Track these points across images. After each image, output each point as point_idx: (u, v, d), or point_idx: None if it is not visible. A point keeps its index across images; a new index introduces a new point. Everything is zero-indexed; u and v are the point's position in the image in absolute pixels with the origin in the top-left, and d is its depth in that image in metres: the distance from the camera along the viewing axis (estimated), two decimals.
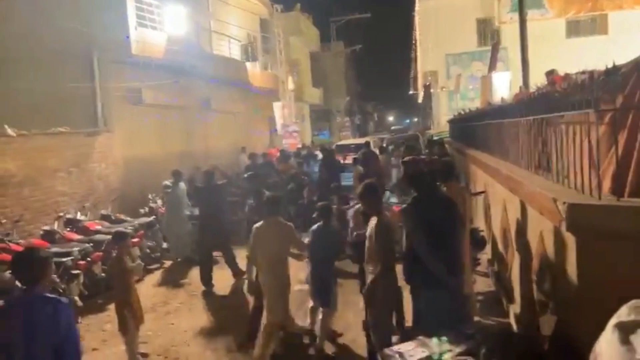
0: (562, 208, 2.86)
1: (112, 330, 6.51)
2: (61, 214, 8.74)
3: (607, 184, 3.03)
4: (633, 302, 1.20)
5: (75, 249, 7.24)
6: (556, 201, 2.97)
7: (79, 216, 8.83)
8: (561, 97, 3.31)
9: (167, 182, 9.73)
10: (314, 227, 5.51)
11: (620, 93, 2.77)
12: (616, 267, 2.72)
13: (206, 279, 7.81)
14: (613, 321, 1.16)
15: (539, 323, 3.91)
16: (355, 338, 5.49)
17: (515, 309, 5.22)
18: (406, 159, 4.71)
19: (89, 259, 7.44)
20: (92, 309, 7.15)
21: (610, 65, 2.84)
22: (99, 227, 8.69)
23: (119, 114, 11.89)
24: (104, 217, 9.46)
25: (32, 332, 2.78)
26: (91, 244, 7.74)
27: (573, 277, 3.02)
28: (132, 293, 5.32)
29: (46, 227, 8.11)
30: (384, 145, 17.15)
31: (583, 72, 3.27)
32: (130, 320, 5.21)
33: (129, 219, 9.72)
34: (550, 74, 6.48)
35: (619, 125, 2.82)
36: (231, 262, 8.09)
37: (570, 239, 2.99)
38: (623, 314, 1.16)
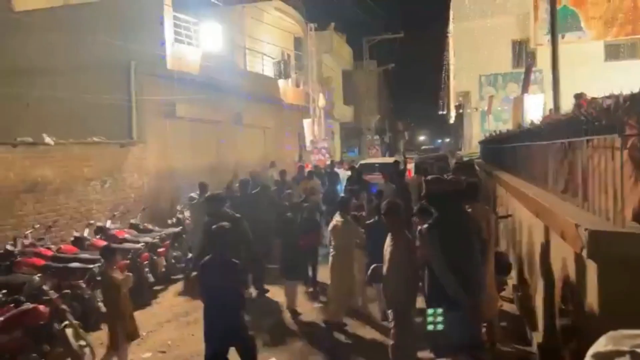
0: (584, 235, 2.79)
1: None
2: (92, 221, 9.01)
3: (629, 211, 2.94)
4: (611, 332, 1.16)
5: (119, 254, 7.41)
6: (578, 227, 2.90)
7: (108, 224, 9.07)
8: (586, 121, 3.24)
9: (193, 195, 9.89)
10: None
11: None
12: (637, 296, 2.63)
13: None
14: (590, 352, 1.12)
15: (561, 352, 3.79)
16: None
17: (538, 336, 5.07)
18: (429, 177, 4.66)
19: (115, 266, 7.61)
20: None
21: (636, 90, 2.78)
22: (126, 236, 8.90)
23: (152, 126, 12.23)
24: (133, 226, 9.69)
25: None
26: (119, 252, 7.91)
27: (595, 306, 2.93)
28: (124, 307, 5.30)
29: (77, 234, 8.36)
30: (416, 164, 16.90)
31: (609, 97, 3.21)
32: (122, 335, 5.21)
33: (156, 228, 9.92)
34: (579, 97, 6.36)
35: None
36: (256, 279, 8.08)
37: (591, 266, 2.90)
38: (600, 344, 1.13)
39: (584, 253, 2.82)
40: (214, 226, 4.83)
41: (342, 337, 6.28)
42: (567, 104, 9.02)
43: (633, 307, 2.62)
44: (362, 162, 18.19)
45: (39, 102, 11.27)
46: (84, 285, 6.74)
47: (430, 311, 3.25)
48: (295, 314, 7.14)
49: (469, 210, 5.00)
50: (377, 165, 15.89)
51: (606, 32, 19.10)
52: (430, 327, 3.11)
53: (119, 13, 11.90)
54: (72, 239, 8.35)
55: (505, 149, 8.74)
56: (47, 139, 8.96)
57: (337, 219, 6.67)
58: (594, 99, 4.26)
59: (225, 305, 4.50)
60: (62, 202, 9.16)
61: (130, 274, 5.95)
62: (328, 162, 19.82)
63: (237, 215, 6.82)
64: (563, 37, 13.26)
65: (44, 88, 11.15)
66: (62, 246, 8.04)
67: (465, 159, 16.19)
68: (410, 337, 4.29)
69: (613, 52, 21.87)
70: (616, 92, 4.60)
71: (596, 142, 3.23)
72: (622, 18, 18.89)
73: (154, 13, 12.11)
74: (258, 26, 19.06)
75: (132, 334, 5.42)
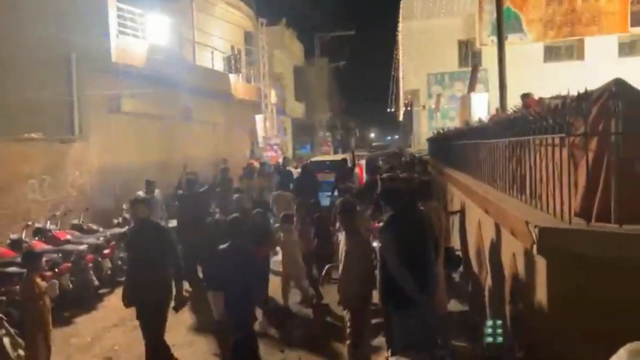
0: (534, 231, 2.86)
1: (78, 344, 6.32)
2: (30, 222, 8.50)
3: (575, 207, 3.05)
4: (632, 345, 1.16)
5: (43, 259, 7.01)
6: (528, 224, 2.98)
7: (48, 225, 8.59)
8: (534, 120, 3.34)
9: (140, 193, 9.52)
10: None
11: (587, 118, 2.81)
12: (585, 291, 2.73)
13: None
14: None
15: (511, 347, 3.90)
16: None
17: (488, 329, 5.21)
18: (384, 176, 4.70)
19: (56, 269, 7.22)
20: (59, 322, 6.90)
21: (583, 91, 2.88)
22: (69, 237, 8.46)
23: (96, 121, 11.70)
24: (75, 227, 9.23)
25: None
26: (60, 255, 7.52)
27: (543, 300, 3.02)
28: (46, 316, 5.00)
29: (13, 236, 7.85)
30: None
31: (556, 97, 3.32)
32: (43, 348, 4.92)
33: (101, 229, 9.50)
34: (526, 97, 6.59)
35: (587, 150, 2.85)
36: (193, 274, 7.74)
37: (541, 262, 2.99)
38: (622, 357, 1.12)
39: (534, 249, 2.90)
40: (231, 217, 5.14)
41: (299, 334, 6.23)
42: (510, 103, 9.37)
43: (580, 301, 2.72)
44: (313, 159, 17.91)
45: None
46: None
47: (489, 323, 3.18)
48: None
49: (422, 207, 5.08)
50: (327, 162, 15.68)
51: (545, 34, 19.99)
52: (489, 340, 3.06)
53: (58, 3, 11.25)
54: (8, 241, 7.84)
55: (453, 146, 8.95)
56: None
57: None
58: (541, 99, 4.41)
59: (238, 293, 4.57)
60: None
61: (56, 281, 5.61)
62: (280, 159, 19.71)
63: (163, 224, 6.23)
64: (506, 38, 13.74)
65: None
66: None
67: (416, 155, 16.52)
68: (366, 336, 4.30)
69: (552, 54, 22.97)
70: (554, 92, 4.80)
71: (543, 140, 3.33)
72: (560, 21, 19.83)
73: (96, 3, 11.56)
74: (207, 19, 18.63)
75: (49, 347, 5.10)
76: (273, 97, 23.98)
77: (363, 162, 16.73)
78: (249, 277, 4.60)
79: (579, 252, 2.69)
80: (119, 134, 12.41)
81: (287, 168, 14.85)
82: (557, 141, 3.03)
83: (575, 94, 2.86)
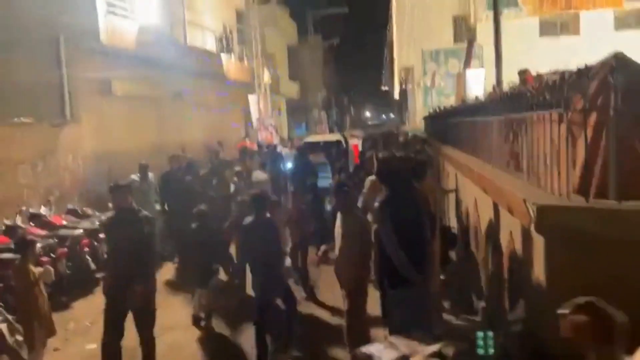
0: (532, 209, 2.83)
1: (75, 328, 6.32)
2: (24, 208, 8.42)
3: (573, 184, 3.02)
4: None
5: (38, 245, 6.96)
6: (526, 202, 2.95)
7: (43, 210, 8.52)
8: (532, 96, 3.28)
9: (134, 177, 9.42)
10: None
11: (587, 94, 2.76)
12: (583, 268, 2.71)
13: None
14: None
15: (507, 321, 3.91)
16: None
17: (484, 306, 5.24)
18: (381, 155, 4.64)
19: (53, 255, 7.19)
20: (56, 307, 6.88)
21: (582, 66, 2.82)
22: (64, 222, 8.40)
23: (87, 105, 11.52)
24: (70, 212, 9.16)
25: None
26: (56, 240, 7.48)
27: (541, 277, 3.01)
28: (41, 303, 4.96)
29: (8, 222, 7.78)
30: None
31: (555, 72, 3.26)
32: (39, 333, 4.90)
33: (97, 213, 9.43)
34: (523, 73, 6.51)
35: (585, 126, 2.80)
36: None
37: (539, 240, 2.97)
38: None
39: (532, 227, 2.87)
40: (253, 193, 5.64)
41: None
42: (506, 79, 9.27)
43: (577, 279, 2.71)
44: (306, 140, 17.10)
45: None
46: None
47: (480, 334, 3.18)
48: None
49: (418, 186, 5.02)
50: (321, 143, 15.00)
51: (541, 7, 19.74)
52: (481, 352, 3.06)
53: None
54: (2, 227, 7.77)
55: (450, 124, 8.90)
56: None
57: None
58: (539, 74, 4.34)
59: (268, 261, 4.86)
60: None
61: (50, 267, 5.55)
62: (275, 140, 19.57)
63: (145, 213, 5.35)
64: (501, 13, 13.53)
65: None
66: None
67: (410, 134, 16.43)
68: (364, 317, 4.30)
69: (548, 28, 22.73)
70: (550, 67, 4.71)
71: (541, 116, 3.28)
72: None
73: None
74: None
75: (50, 331, 5.11)
76: (266, 77, 23.68)
77: (357, 141, 16.42)
78: (276, 248, 4.99)
79: (578, 229, 2.66)
80: (111, 116, 12.25)
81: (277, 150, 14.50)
82: (555, 117, 2.98)
83: (574, 69, 2.80)
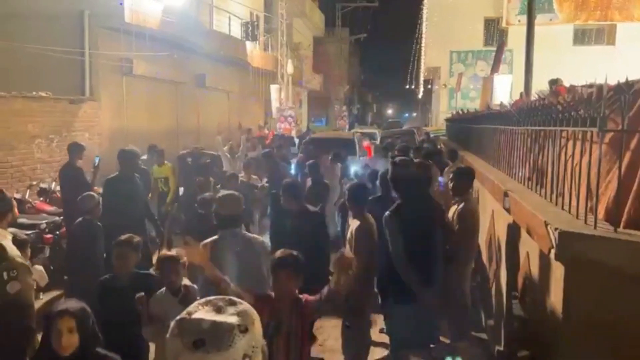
0: (554, 234, 2.58)
1: None
2: (34, 182, 8.40)
3: (602, 209, 2.77)
4: None
5: (43, 221, 6.91)
6: (547, 225, 2.70)
7: (54, 186, 8.48)
8: (563, 110, 3.02)
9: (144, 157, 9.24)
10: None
11: (628, 113, 2.49)
12: (604, 304, 2.46)
13: None
14: None
15: (515, 343, 3.68)
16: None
17: (492, 324, 5.00)
18: (396, 160, 4.39)
19: (57, 232, 7.12)
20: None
21: (621, 80, 2.55)
22: None
23: (107, 83, 11.49)
24: None
25: None
26: (62, 217, 7.41)
27: (557, 308, 2.77)
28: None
29: (16, 195, 7.76)
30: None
31: (590, 86, 2.99)
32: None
33: None
34: (554, 83, 6.19)
35: (622, 148, 2.54)
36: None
37: (558, 268, 2.72)
38: None
39: (552, 254, 2.63)
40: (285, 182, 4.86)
41: None
42: (536, 87, 8.91)
43: (597, 314, 2.47)
44: (314, 136, 14.12)
45: None
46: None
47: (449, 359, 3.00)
48: None
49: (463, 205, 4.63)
50: (332, 140, 12.36)
51: (576, 15, 19.18)
52: None
53: None
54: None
55: (472, 129, 8.59)
56: None
57: None
58: (572, 86, 4.06)
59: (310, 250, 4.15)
60: (1, 160, 8.49)
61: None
62: (293, 132, 19.38)
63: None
64: (535, 18, 13.10)
65: None
66: None
67: (431, 135, 16.10)
68: (365, 335, 4.07)
69: (581, 37, 22.08)
70: (582, 77, 4.41)
71: (572, 133, 3.02)
72: (593, 3, 18.97)
73: None
74: None
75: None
76: (290, 68, 23.51)
77: (370, 141, 15.35)
78: (319, 236, 4.48)
79: (602, 261, 2.41)
80: (131, 97, 12.21)
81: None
82: (587, 135, 2.72)
83: (613, 83, 2.54)
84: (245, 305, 1.17)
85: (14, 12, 10.52)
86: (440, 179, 7.18)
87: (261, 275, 3.45)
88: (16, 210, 5.47)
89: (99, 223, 5.11)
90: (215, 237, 3.59)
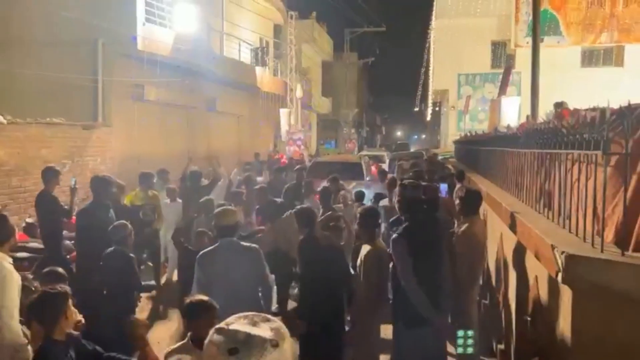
0: (560, 258, 2.58)
1: None
2: None
3: (609, 233, 2.76)
4: None
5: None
6: (554, 249, 2.70)
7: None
8: (568, 133, 3.04)
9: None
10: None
11: (632, 136, 2.50)
12: (614, 328, 2.44)
13: None
14: None
15: None
16: None
17: (502, 348, 4.92)
18: (406, 182, 4.38)
19: (69, 257, 7.18)
20: None
21: (624, 103, 2.57)
22: None
23: (119, 109, 11.70)
24: None
25: None
26: (72, 241, 7.47)
27: (566, 332, 2.74)
28: None
29: (29, 220, 7.86)
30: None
31: (594, 109, 3.01)
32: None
33: None
34: (559, 106, 6.21)
35: (628, 171, 2.54)
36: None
37: (566, 291, 2.70)
38: None
39: (559, 278, 2.61)
40: (299, 208, 4.66)
41: None
42: (543, 109, 8.94)
43: (607, 339, 2.44)
44: (318, 160, 13.45)
45: None
46: (30, 277, 6.29)
47: (460, 333, 2.96)
48: None
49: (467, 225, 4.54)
50: (337, 164, 11.30)
51: (584, 37, 19.25)
52: (460, 350, 2.85)
53: None
54: (23, 224, 7.85)
55: (480, 152, 8.60)
56: (0, 118, 8.41)
57: None
58: (576, 109, 4.08)
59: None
60: (15, 185, 8.63)
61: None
62: (302, 154, 19.48)
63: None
64: (542, 40, 13.24)
65: (1, 61, 10.50)
66: None
67: (440, 157, 16.10)
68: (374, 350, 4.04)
69: (589, 59, 22.14)
70: (590, 98, 4.42)
71: (577, 156, 3.03)
72: (600, 25, 19.06)
73: None
74: (237, 10, 18.53)
75: None
76: (299, 92, 23.81)
77: (381, 165, 15.18)
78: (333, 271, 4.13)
79: (609, 285, 2.40)
80: (142, 122, 12.40)
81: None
82: (592, 158, 2.73)
83: (616, 106, 2.56)
84: (279, 324, 1.26)
85: (29, 39, 10.83)
86: (442, 185, 7.15)
87: (257, 279, 3.90)
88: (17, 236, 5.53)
89: (131, 254, 5.00)
90: (215, 245, 3.98)
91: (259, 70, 19.35)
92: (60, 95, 10.56)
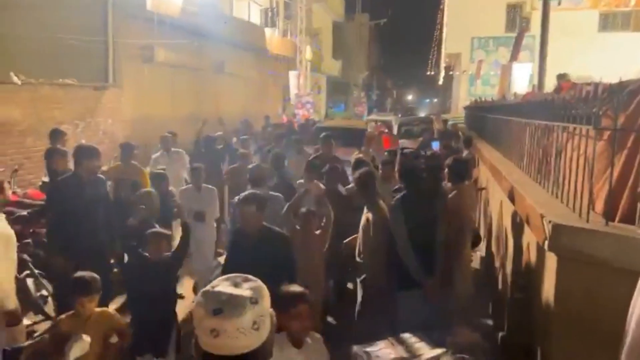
0: (548, 226, 2.72)
1: None
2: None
3: (599, 204, 2.88)
4: None
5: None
6: (543, 218, 2.84)
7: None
8: (564, 107, 3.12)
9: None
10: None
11: (623, 112, 2.59)
12: (594, 295, 2.60)
13: None
14: None
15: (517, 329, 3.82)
16: None
17: (496, 310, 5.14)
18: (405, 151, 4.50)
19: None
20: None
21: (617, 80, 2.65)
22: None
23: (129, 70, 11.76)
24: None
25: None
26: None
27: (550, 298, 2.91)
28: None
29: (45, 179, 8.10)
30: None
31: (589, 84, 3.08)
32: None
33: None
34: (561, 78, 6.20)
35: (618, 145, 2.64)
36: None
37: (552, 258, 2.86)
38: None
39: (546, 245, 2.77)
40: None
41: None
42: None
43: (586, 305, 2.61)
44: (320, 124, 12.43)
45: (5, 38, 10.66)
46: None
47: None
48: None
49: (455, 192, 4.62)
50: (343, 130, 10.39)
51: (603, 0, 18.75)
52: None
53: None
54: (40, 183, 8.11)
55: (487, 119, 8.64)
56: (14, 78, 8.54)
57: None
58: (575, 83, 4.12)
59: None
60: (29, 145, 8.85)
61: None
62: (311, 117, 19.47)
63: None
64: (559, 3, 12.93)
65: (12, 23, 10.52)
66: (28, 191, 7.78)
67: (450, 122, 16.04)
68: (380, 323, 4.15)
69: (607, 23, 21.57)
70: (607, 64, 4.42)
71: (571, 129, 3.13)
72: None
73: None
74: None
75: None
76: (308, 54, 23.53)
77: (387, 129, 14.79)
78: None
79: (591, 254, 2.54)
80: (152, 84, 12.47)
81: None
82: (585, 132, 2.83)
83: (608, 82, 2.63)
84: (258, 283, 1.43)
85: (41, 1, 10.81)
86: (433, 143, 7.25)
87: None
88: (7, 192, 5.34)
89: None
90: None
91: (268, 31, 19.13)
92: (72, 56, 10.61)
